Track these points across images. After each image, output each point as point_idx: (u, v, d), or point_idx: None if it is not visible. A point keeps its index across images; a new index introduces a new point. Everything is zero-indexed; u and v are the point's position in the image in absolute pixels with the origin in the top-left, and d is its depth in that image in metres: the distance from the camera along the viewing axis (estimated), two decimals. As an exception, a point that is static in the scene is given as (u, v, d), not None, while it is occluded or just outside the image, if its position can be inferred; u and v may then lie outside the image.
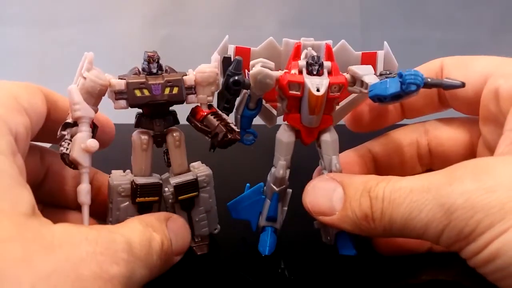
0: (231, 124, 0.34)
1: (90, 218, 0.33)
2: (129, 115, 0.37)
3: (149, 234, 0.29)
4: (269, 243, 0.38)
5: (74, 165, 0.32)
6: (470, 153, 0.38)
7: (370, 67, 0.35)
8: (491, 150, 0.32)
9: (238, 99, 0.36)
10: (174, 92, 0.34)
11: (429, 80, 0.31)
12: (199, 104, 0.36)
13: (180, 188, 0.36)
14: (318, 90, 0.33)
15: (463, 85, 0.31)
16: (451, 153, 0.39)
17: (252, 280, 0.37)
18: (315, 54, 0.35)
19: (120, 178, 0.35)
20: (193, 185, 0.37)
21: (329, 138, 0.36)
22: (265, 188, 0.39)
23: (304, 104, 0.34)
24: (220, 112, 0.35)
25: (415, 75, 0.30)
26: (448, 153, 0.39)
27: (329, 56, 0.35)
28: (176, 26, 1.03)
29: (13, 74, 0.94)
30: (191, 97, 0.35)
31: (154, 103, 0.33)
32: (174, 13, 1.04)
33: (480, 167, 0.27)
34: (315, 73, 0.34)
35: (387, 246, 0.38)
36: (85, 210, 0.33)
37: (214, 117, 0.35)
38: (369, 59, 0.37)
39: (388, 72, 0.34)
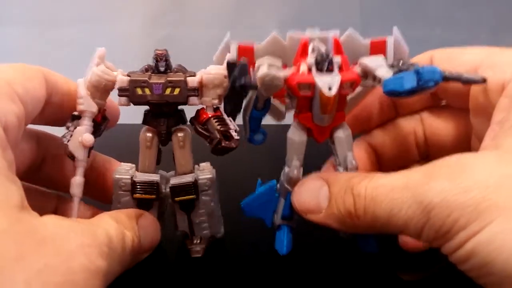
0: (231, 131, 0.34)
1: (91, 206, 0.34)
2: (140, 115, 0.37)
3: (122, 230, 0.30)
4: (286, 242, 0.38)
5: (71, 157, 0.33)
6: (465, 140, 0.38)
7: (381, 58, 0.34)
8: (481, 141, 0.32)
9: (245, 100, 0.36)
10: (175, 93, 0.33)
11: (447, 74, 0.31)
12: (204, 107, 0.35)
13: (176, 190, 0.36)
14: (330, 89, 0.31)
15: (484, 80, 0.31)
16: (446, 141, 0.39)
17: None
18: (323, 49, 0.33)
19: (123, 172, 0.36)
20: (190, 188, 0.36)
21: (342, 134, 0.35)
22: (278, 186, 0.38)
23: (315, 104, 0.33)
24: (225, 116, 0.35)
25: (433, 72, 0.30)
26: (443, 142, 0.39)
27: (338, 49, 0.34)
28: (176, 26, 1.03)
29: (13, 74, 0.94)
30: (193, 99, 0.34)
31: (155, 102, 0.33)
32: (174, 13, 1.04)
33: (458, 166, 0.27)
34: (325, 69, 0.32)
35: (413, 243, 0.39)
36: (75, 202, 0.34)
37: (216, 121, 0.34)
38: (378, 47, 0.36)
39: (400, 63, 0.32)
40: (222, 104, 0.35)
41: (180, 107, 0.36)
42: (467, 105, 0.36)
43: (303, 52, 0.34)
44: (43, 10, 1.01)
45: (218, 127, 0.34)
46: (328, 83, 0.31)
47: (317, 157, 0.38)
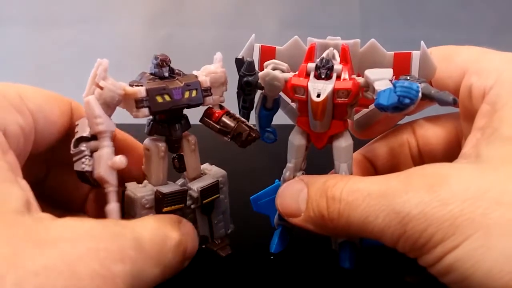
0: (247, 123, 0.35)
1: None
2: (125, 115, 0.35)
3: (163, 231, 0.28)
4: (277, 242, 0.38)
5: (97, 183, 0.30)
6: (457, 150, 0.37)
7: (389, 71, 0.32)
8: None
9: (256, 99, 0.37)
10: (193, 95, 0.33)
11: (423, 90, 0.30)
12: (211, 106, 0.36)
13: (205, 192, 0.36)
14: (318, 96, 0.31)
15: (455, 102, 0.30)
16: (438, 151, 0.39)
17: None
18: (324, 56, 0.33)
19: (141, 190, 0.33)
20: (216, 187, 0.37)
21: (341, 144, 0.34)
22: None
23: (309, 109, 0.33)
24: (231, 112, 0.36)
25: (409, 88, 0.29)
26: (435, 152, 0.39)
27: (345, 57, 0.33)
28: (176, 26, 1.03)
29: (13, 74, 0.94)
30: (209, 99, 0.34)
31: (176, 108, 0.33)
32: (174, 13, 1.04)
33: (437, 176, 0.27)
34: (323, 76, 0.32)
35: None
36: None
37: (230, 117, 0.35)
38: (402, 60, 0.35)
39: (409, 77, 0.31)
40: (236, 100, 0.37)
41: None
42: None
43: (309, 56, 0.34)
44: (43, 10, 1.01)
45: (236, 121, 0.35)
46: (318, 90, 0.31)
47: (323, 161, 0.37)
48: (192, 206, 0.36)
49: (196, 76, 0.34)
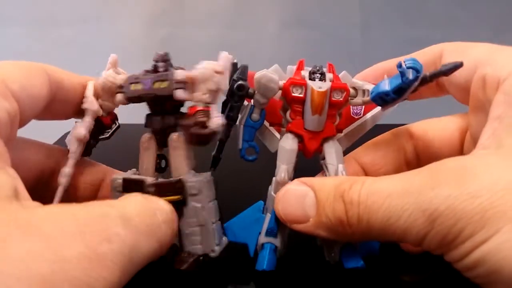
0: (210, 120, 0.33)
1: None
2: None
3: (152, 204, 0.28)
4: (268, 259, 0.35)
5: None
6: (461, 152, 0.37)
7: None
8: (476, 140, 0.30)
9: (241, 111, 0.36)
10: (162, 86, 0.34)
11: (428, 73, 0.30)
12: (195, 104, 0.34)
13: (160, 188, 0.33)
14: (320, 88, 0.34)
15: (461, 64, 0.30)
16: (441, 154, 0.37)
17: None
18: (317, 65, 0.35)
19: (121, 174, 0.35)
20: (175, 187, 0.33)
21: (333, 148, 0.35)
22: (265, 206, 0.36)
23: (307, 105, 0.34)
24: (213, 110, 0.34)
25: (414, 60, 0.30)
26: (437, 154, 0.37)
27: (332, 71, 0.36)
28: (176, 26, 1.03)
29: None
30: (179, 92, 0.33)
31: (145, 96, 0.34)
32: (174, 13, 1.04)
33: (463, 169, 0.26)
34: (317, 80, 0.34)
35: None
36: (59, 190, 0.35)
37: (200, 114, 0.33)
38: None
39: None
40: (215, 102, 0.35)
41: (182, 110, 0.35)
42: (468, 101, 0.35)
43: (299, 67, 0.36)
44: (43, 10, 1.01)
45: (199, 118, 0.33)
46: (319, 85, 0.34)
47: (310, 171, 0.36)
48: None
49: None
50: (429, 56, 0.37)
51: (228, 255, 0.35)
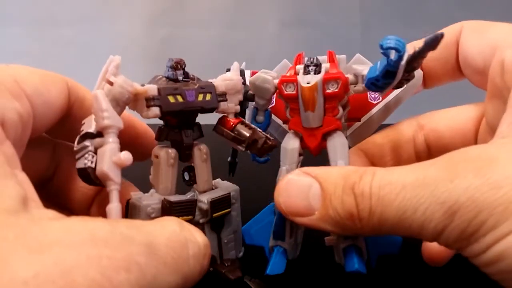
0: (263, 132, 0.34)
1: None
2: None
3: (184, 235, 0.25)
4: (273, 262, 0.34)
5: (99, 181, 0.28)
6: (475, 142, 0.36)
7: (371, 64, 0.34)
8: (494, 130, 0.29)
9: (247, 114, 0.36)
10: (207, 98, 0.32)
11: (411, 53, 0.28)
12: (225, 114, 0.35)
13: (215, 204, 0.33)
14: (308, 83, 0.32)
15: (441, 35, 0.27)
16: (453, 145, 0.36)
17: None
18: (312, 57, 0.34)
19: (147, 198, 0.32)
20: (227, 200, 0.34)
21: (336, 143, 0.34)
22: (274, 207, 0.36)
23: (300, 102, 0.33)
24: (246, 121, 0.35)
25: (394, 39, 0.27)
26: (450, 145, 0.36)
27: (331, 59, 0.35)
28: (176, 26, 1.03)
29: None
30: (223, 104, 0.33)
31: (188, 110, 0.32)
32: (174, 13, 1.04)
33: (484, 159, 0.24)
34: (312, 73, 0.33)
35: (438, 257, 0.36)
36: None
37: (245, 126, 0.34)
38: None
39: None
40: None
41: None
42: (486, 86, 0.33)
43: (296, 61, 0.35)
44: (43, 10, 1.01)
45: (250, 130, 0.33)
46: (308, 79, 0.32)
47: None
48: (201, 221, 0.34)
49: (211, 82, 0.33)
50: (451, 35, 0.36)
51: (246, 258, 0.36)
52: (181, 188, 0.35)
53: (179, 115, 0.32)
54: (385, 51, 0.27)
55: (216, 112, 0.34)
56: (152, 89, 0.30)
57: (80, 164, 0.28)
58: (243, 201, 0.36)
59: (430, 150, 0.38)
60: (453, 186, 0.24)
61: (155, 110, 0.30)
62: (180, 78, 0.32)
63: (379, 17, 1.02)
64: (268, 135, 0.34)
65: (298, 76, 0.33)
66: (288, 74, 0.34)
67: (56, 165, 0.35)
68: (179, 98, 0.31)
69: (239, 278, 0.34)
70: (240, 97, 0.34)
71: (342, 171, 0.28)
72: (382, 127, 0.40)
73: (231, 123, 0.34)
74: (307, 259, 0.37)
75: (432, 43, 0.27)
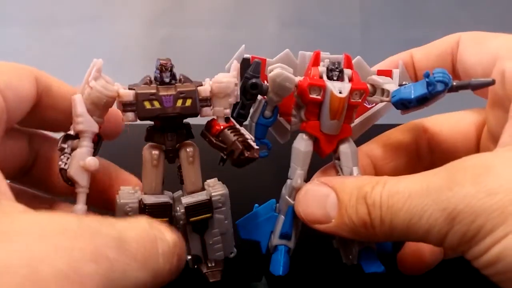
0: (249, 140, 0.32)
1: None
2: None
3: (154, 233, 0.25)
4: (283, 263, 0.35)
5: (71, 182, 0.30)
6: (477, 147, 0.37)
7: (389, 78, 0.35)
8: (495, 138, 0.30)
9: (254, 106, 0.35)
10: (187, 104, 0.31)
11: (455, 83, 0.30)
12: (215, 117, 0.33)
13: (191, 209, 0.33)
14: (340, 92, 0.32)
15: (493, 82, 0.30)
16: (455, 149, 0.37)
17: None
18: (333, 60, 0.34)
19: (128, 196, 0.32)
20: (206, 206, 0.33)
21: (348, 149, 0.34)
22: (277, 205, 0.36)
23: (325, 109, 0.33)
24: (238, 126, 0.33)
25: (443, 73, 0.29)
26: (452, 150, 0.37)
27: (349, 65, 0.34)
28: (176, 26, 1.03)
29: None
30: (206, 110, 0.32)
31: (165, 116, 0.31)
32: (174, 13, 1.04)
33: (480, 167, 0.26)
34: (335, 78, 0.33)
35: (412, 267, 0.37)
36: None
37: (231, 132, 0.32)
38: (384, 75, 0.36)
39: (407, 83, 0.33)
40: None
41: (185, 120, 0.34)
42: (486, 96, 0.34)
43: (315, 61, 0.34)
44: (43, 10, 1.01)
45: (235, 137, 0.31)
46: (339, 88, 0.32)
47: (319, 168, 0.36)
48: (181, 222, 0.34)
49: (201, 84, 0.32)
50: (446, 44, 0.36)
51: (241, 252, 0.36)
52: (177, 185, 0.35)
53: (159, 119, 0.31)
54: (431, 80, 0.29)
55: (200, 117, 0.33)
56: (127, 95, 0.30)
57: (58, 165, 0.30)
58: (240, 198, 0.36)
59: (432, 153, 0.38)
60: (452, 194, 0.25)
61: (130, 116, 0.31)
62: (167, 80, 0.31)
63: (379, 17, 1.02)
64: (253, 145, 0.32)
65: (327, 82, 0.32)
66: (311, 75, 0.33)
67: (35, 154, 0.35)
68: (156, 104, 0.31)
69: (217, 281, 0.35)
70: (231, 100, 0.33)
71: (357, 181, 0.30)
72: (386, 128, 0.41)
73: (217, 128, 0.32)
74: (309, 259, 0.38)
75: (477, 87, 0.30)
